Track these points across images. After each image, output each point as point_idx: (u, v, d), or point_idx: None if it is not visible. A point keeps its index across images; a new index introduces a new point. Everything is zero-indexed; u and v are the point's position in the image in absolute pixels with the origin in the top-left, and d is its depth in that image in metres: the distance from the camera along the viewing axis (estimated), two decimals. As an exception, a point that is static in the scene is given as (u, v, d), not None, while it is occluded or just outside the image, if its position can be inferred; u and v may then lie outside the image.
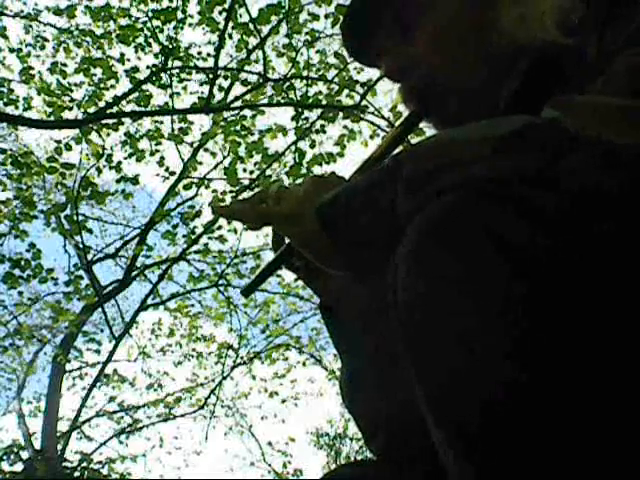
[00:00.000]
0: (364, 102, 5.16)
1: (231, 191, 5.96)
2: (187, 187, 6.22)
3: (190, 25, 5.41)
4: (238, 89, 5.70)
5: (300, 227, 0.64)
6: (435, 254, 0.42)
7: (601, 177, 0.39)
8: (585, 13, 0.58)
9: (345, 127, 5.65)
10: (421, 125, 0.74)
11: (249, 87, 5.41)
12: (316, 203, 0.60)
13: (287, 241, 0.72)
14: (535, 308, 0.37)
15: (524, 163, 0.42)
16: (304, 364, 9.03)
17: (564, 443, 0.35)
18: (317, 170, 5.41)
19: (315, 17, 5.25)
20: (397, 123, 0.76)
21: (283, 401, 9.57)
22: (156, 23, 5.21)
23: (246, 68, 5.42)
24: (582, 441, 0.34)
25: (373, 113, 5.23)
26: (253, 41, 5.27)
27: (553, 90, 0.53)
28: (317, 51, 5.64)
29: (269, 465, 9.98)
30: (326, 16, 5.11)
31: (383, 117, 5.27)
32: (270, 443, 9.96)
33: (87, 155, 5.65)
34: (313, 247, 0.64)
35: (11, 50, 5.64)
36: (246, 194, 6.02)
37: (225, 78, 5.61)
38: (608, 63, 0.51)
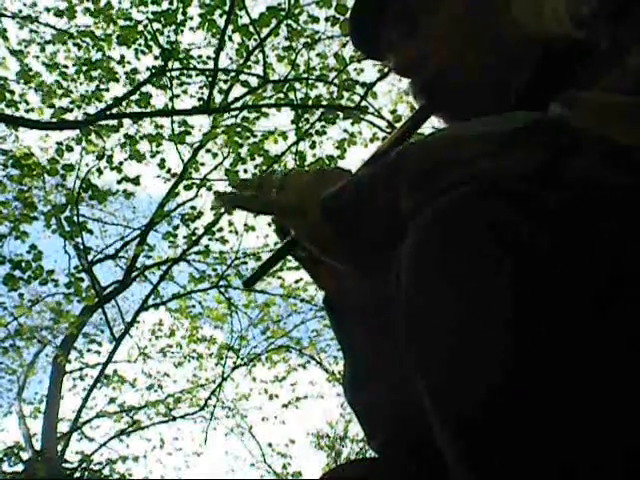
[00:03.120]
0: (364, 103, 5.17)
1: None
2: (188, 188, 6.22)
3: (191, 29, 5.41)
4: (238, 91, 5.71)
5: (303, 219, 0.63)
6: (439, 249, 0.42)
7: (606, 176, 0.39)
8: (598, 5, 0.58)
9: (345, 131, 5.66)
10: (431, 119, 0.73)
11: (249, 88, 5.41)
12: (320, 196, 0.60)
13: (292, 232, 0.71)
14: (536, 304, 0.37)
15: (529, 160, 0.42)
16: (304, 367, 9.03)
17: (554, 432, 0.35)
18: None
19: (315, 19, 5.25)
20: (404, 119, 0.75)
21: (284, 406, 9.56)
22: (156, 26, 5.21)
23: (246, 70, 5.42)
24: (578, 433, 0.35)
25: (373, 114, 5.24)
26: (253, 44, 5.27)
27: (564, 83, 0.53)
28: (317, 54, 5.64)
29: (269, 466, 9.97)
30: (327, 19, 5.12)
31: (383, 118, 5.27)
32: (270, 444, 9.96)
33: (87, 153, 5.66)
34: (316, 240, 0.63)
35: (11, 52, 5.64)
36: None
37: (225, 82, 5.62)
38: (621, 57, 0.51)
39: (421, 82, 0.71)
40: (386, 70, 5.03)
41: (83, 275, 6.30)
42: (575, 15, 0.58)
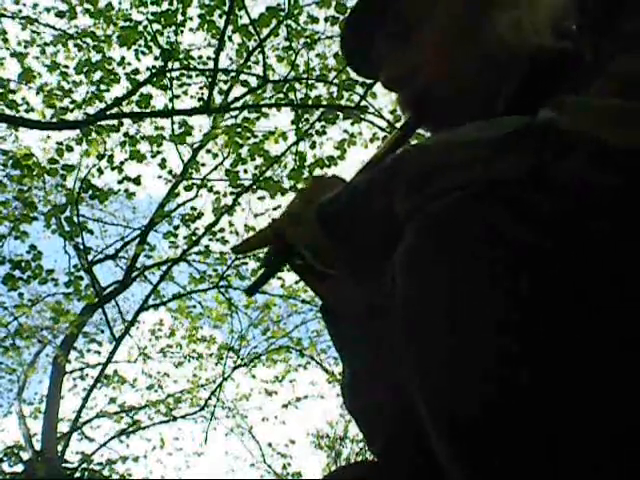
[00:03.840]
0: (364, 102, 5.18)
1: (232, 192, 5.97)
2: (188, 188, 6.23)
3: (190, 29, 5.42)
4: (238, 91, 5.72)
5: (302, 226, 0.64)
6: (434, 252, 0.42)
7: (597, 177, 0.40)
8: (579, 20, 0.59)
9: (345, 131, 5.66)
10: (419, 131, 0.74)
11: (249, 88, 5.42)
12: (317, 201, 0.61)
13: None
14: (531, 305, 0.37)
15: (521, 164, 0.42)
16: (305, 367, 9.04)
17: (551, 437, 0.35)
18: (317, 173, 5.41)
19: (314, 20, 5.25)
20: (397, 126, 0.76)
21: (284, 406, 9.57)
22: (156, 26, 5.22)
23: (246, 70, 5.43)
24: (577, 437, 0.35)
25: (373, 114, 5.24)
26: (253, 44, 5.28)
27: (550, 93, 0.54)
28: (317, 55, 5.64)
29: (269, 466, 9.99)
30: (325, 19, 5.13)
31: (383, 117, 5.27)
32: (270, 444, 9.97)
33: (88, 156, 5.67)
34: (314, 247, 0.64)
35: (12, 54, 5.66)
36: (247, 195, 6.04)
37: (225, 82, 5.63)
38: (603, 69, 0.51)
39: (410, 95, 0.72)
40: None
41: (83, 275, 6.31)
42: (558, 28, 0.59)
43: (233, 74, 5.47)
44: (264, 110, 5.46)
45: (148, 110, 5.33)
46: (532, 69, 0.63)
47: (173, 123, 5.58)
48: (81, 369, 9.00)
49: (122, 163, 5.63)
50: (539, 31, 0.61)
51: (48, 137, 6.78)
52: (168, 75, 5.31)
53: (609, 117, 0.44)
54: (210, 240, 6.59)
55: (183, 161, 6.23)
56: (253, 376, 9.19)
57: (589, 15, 0.58)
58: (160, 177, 6.25)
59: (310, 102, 5.37)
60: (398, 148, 0.73)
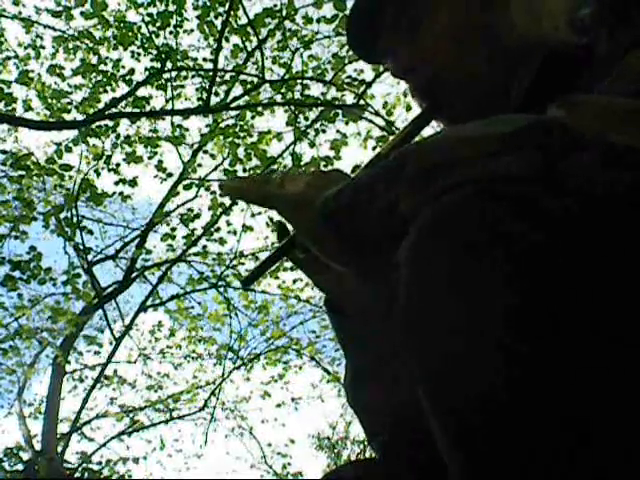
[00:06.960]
0: (362, 102, 5.17)
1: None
2: (187, 188, 6.22)
3: (186, 32, 5.40)
4: (236, 91, 5.70)
5: (304, 216, 0.62)
6: (438, 250, 0.42)
7: (604, 177, 0.39)
8: (596, 12, 0.58)
9: (338, 131, 5.64)
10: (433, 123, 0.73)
11: (246, 89, 5.40)
12: (320, 196, 0.59)
13: (291, 233, 0.70)
14: (535, 307, 0.37)
15: (527, 162, 0.42)
16: (300, 368, 9.01)
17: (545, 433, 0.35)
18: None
19: (309, 20, 5.22)
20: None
21: (278, 405, 9.52)
22: (153, 28, 5.21)
23: (244, 71, 5.42)
24: (576, 433, 0.35)
25: (371, 112, 5.23)
26: (249, 44, 5.27)
27: (563, 88, 0.53)
28: (309, 56, 5.60)
29: (270, 467, 9.96)
30: (318, 20, 5.11)
31: (381, 116, 5.25)
32: (270, 444, 9.95)
33: (86, 157, 5.66)
34: (317, 239, 0.61)
35: (8, 57, 5.65)
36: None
37: (220, 84, 5.61)
38: (618, 62, 0.51)
39: (419, 84, 0.71)
40: (381, 69, 5.03)
41: (83, 276, 6.29)
42: (573, 22, 0.59)
43: (232, 74, 5.46)
44: (259, 109, 5.45)
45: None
46: (546, 63, 0.62)
47: (173, 125, 5.57)
48: (81, 370, 8.99)
49: (118, 165, 5.62)
50: (555, 24, 0.60)
51: (51, 141, 6.77)
52: (166, 76, 5.30)
53: (619, 118, 0.44)
54: (208, 240, 6.58)
55: (183, 162, 6.23)
56: (248, 379, 9.14)
57: (605, 5, 0.57)
58: (156, 176, 6.22)
59: (308, 101, 5.35)
60: (409, 142, 0.72)
